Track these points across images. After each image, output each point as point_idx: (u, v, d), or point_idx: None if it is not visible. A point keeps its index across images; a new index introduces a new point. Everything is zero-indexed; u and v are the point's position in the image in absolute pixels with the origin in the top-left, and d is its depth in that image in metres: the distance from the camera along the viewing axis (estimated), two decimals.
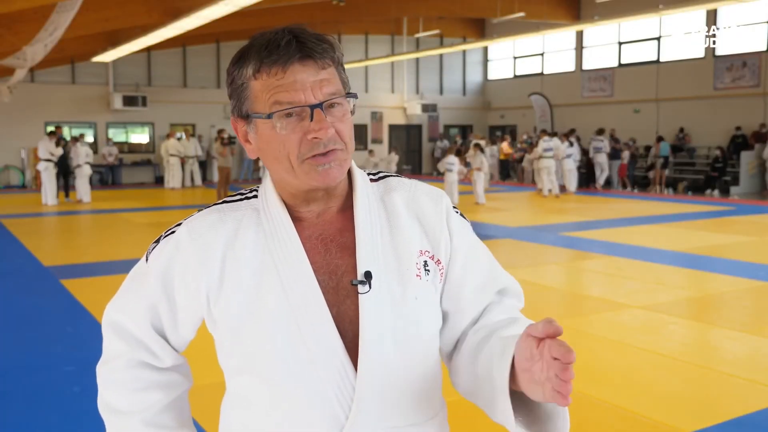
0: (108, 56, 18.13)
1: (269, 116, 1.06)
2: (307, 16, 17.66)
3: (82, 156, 15.53)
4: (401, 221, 1.15)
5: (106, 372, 1.20)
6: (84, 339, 5.13)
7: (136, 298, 1.18)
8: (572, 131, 19.16)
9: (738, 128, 18.02)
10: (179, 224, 1.16)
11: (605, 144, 18.37)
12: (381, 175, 1.22)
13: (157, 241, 1.18)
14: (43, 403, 3.85)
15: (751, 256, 8.45)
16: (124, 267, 7.59)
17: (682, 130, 19.56)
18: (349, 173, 1.17)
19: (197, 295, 1.12)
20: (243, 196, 1.18)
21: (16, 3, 9.98)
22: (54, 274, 7.39)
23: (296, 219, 1.12)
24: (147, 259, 1.18)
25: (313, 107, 1.04)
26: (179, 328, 1.18)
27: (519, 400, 1.05)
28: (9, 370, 4.46)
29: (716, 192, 17.17)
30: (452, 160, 14.25)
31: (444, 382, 1.21)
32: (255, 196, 1.17)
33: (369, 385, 1.07)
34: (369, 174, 1.21)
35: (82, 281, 7.00)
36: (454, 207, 1.22)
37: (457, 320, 1.19)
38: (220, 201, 1.18)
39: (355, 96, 1.11)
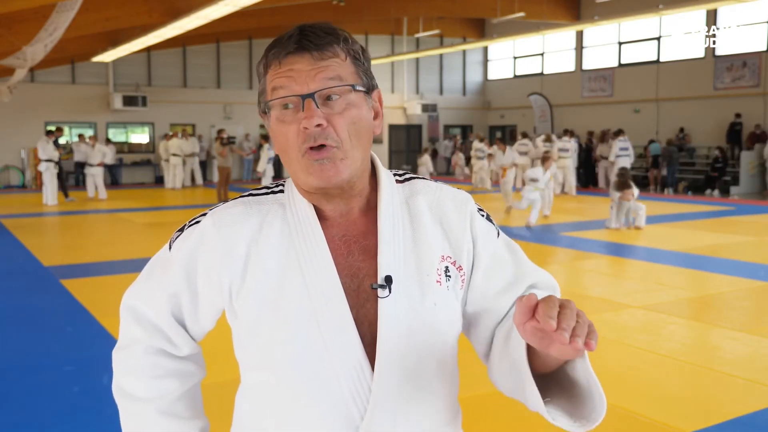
0: (108, 56, 18.14)
1: (267, 104, 1.08)
2: (307, 16, 17.65)
3: (98, 156, 15.98)
4: (424, 226, 1.14)
5: (122, 358, 1.19)
6: (84, 339, 5.13)
7: (157, 285, 1.17)
8: (569, 131, 19.17)
9: (738, 115, 17.98)
10: (204, 214, 1.16)
11: (630, 146, 17.45)
12: (407, 176, 1.20)
13: (181, 230, 1.17)
14: (43, 403, 3.85)
15: (751, 256, 8.45)
16: (124, 267, 7.63)
17: (682, 130, 19.57)
18: (376, 173, 1.16)
19: (219, 287, 1.11)
20: (269, 190, 1.17)
21: (16, 3, 9.98)
22: (54, 274, 7.38)
23: (320, 218, 1.12)
24: (170, 248, 1.17)
25: (303, 97, 1.04)
26: (199, 318, 1.17)
27: (555, 385, 1.06)
28: (9, 370, 4.46)
29: (716, 192, 17.17)
30: None
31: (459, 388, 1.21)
32: (281, 191, 1.16)
33: (385, 387, 1.07)
34: (395, 175, 1.19)
35: (82, 281, 7.00)
36: (480, 210, 1.20)
37: (487, 322, 1.18)
38: (246, 194, 1.17)
39: (353, 87, 1.07)
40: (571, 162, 17.53)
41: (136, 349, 1.18)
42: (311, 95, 1.04)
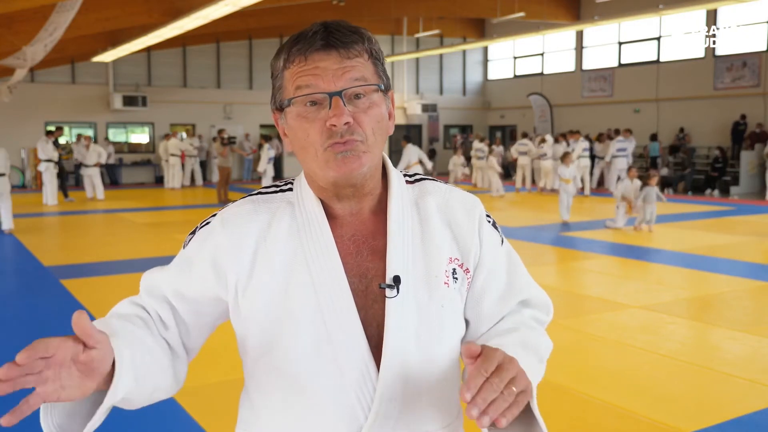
0: (108, 56, 18.14)
1: (290, 101, 1.07)
2: (307, 16, 17.65)
3: (94, 156, 16.01)
4: (433, 227, 1.14)
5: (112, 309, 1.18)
6: None
7: (166, 278, 1.17)
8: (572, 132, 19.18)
9: (743, 117, 17.99)
10: (214, 215, 1.16)
11: (630, 146, 17.44)
12: (417, 177, 1.21)
13: (194, 232, 1.18)
14: None
15: (751, 256, 8.45)
16: (124, 267, 7.63)
17: (682, 130, 19.57)
18: (386, 174, 1.16)
19: (225, 282, 1.11)
20: (278, 189, 1.17)
21: (16, 3, 9.98)
22: (54, 274, 7.38)
23: (330, 217, 1.12)
24: (185, 249, 1.18)
25: (331, 95, 1.04)
26: (201, 315, 1.16)
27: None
28: None
29: (716, 192, 17.17)
30: None
31: None
32: (290, 189, 1.16)
33: (390, 387, 1.07)
34: (405, 176, 1.20)
35: (82, 281, 7.00)
36: (488, 216, 1.21)
37: (475, 329, 1.20)
38: (255, 192, 1.18)
39: (378, 87, 1.08)
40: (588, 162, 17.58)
41: (124, 301, 1.18)
42: (339, 93, 1.04)
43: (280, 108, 1.11)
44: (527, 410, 1.05)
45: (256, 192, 1.18)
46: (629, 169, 11.42)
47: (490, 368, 0.92)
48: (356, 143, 1.05)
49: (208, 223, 1.16)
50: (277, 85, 1.10)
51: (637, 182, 10.72)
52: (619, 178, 11.73)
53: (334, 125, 1.03)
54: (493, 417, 0.90)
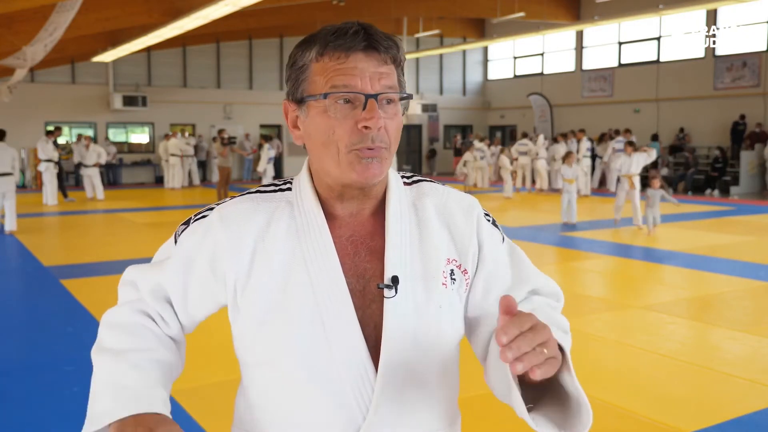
0: (108, 56, 18.14)
1: (324, 96, 1.05)
2: (307, 16, 17.65)
3: (94, 156, 16.03)
4: (431, 228, 1.15)
5: (110, 315, 1.18)
6: (84, 339, 5.13)
7: (157, 274, 1.16)
8: (570, 133, 19.19)
9: (742, 117, 17.99)
10: (210, 208, 1.15)
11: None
12: (415, 179, 1.21)
13: (187, 224, 1.17)
14: (43, 403, 3.85)
15: (751, 256, 8.45)
16: (124, 267, 7.56)
17: (682, 130, 19.57)
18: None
19: (224, 282, 1.11)
20: (277, 188, 1.17)
21: (16, 3, 9.98)
22: (54, 274, 7.38)
23: (329, 217, 1.12)
24: (176, 242, 1.17)
25: (368, 96, 1.04)
26: (189, 313, 1.17)
27: (549, 396, 1.07)
28: (9, 370, 4.46)
29: (716, 192, 17.17)
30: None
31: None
32: (289, 189, 1.16)
33: (388, 388, 1.07)
34: (403, 177, 1.20)
35: (82, 281, 7.00)
36: (486, 214, 1.21)
37: (486, 326, 1.19)
38: (254, 190, 1.17)
39: (410, 97, 1.10)
40: (589, 161, 17.58)
41: (126, 308, 1.17)
42: (376, 96, 1.04)
43: (300, 100, 1.10)
44: (563, 393, 1.05)
45: (254, 190, 1.17)
46: (626, 144, 11.38)
47: (524, 326, 0.90)
48: (382, 150, 1.06)
49: (204, 217, 1.15)
50: (302, 77, 1.09)
51: (638, 156, 10.69)
52: (618, 180, 11.71)
53: (368, 127, 1.04)
54: (527, 366, 0.89)
